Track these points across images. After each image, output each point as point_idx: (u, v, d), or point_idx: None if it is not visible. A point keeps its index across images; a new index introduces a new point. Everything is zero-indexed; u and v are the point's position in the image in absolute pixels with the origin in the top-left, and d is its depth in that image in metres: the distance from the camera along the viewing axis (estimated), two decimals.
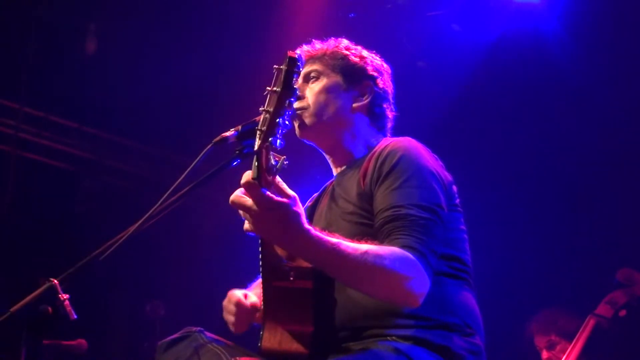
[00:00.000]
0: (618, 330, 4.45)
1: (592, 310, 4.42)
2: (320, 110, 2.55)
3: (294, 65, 1.87)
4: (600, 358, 4.52)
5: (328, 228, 2.29)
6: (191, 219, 6.48)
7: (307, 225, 1.94)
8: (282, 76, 1.87)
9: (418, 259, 2.08)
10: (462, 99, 5.69)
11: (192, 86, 5.80)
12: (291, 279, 2.15)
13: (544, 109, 5.68)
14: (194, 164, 2.29)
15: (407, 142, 2.41)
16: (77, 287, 2.29)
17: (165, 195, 2.31)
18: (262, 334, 2.22)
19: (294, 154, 2.00)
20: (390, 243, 2.12)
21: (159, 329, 5.96)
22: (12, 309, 2.20)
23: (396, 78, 2.73)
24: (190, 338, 2.30)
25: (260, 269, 2.18)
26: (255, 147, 1.84)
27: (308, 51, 2.65)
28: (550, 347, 4.71)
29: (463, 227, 2.42)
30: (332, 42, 2.68)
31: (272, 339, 2.18)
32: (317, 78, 2.59)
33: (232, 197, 1.92)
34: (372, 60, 2.67)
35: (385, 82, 2.68)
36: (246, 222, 1.96)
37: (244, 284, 2.61)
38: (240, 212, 1.94)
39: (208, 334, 2.31)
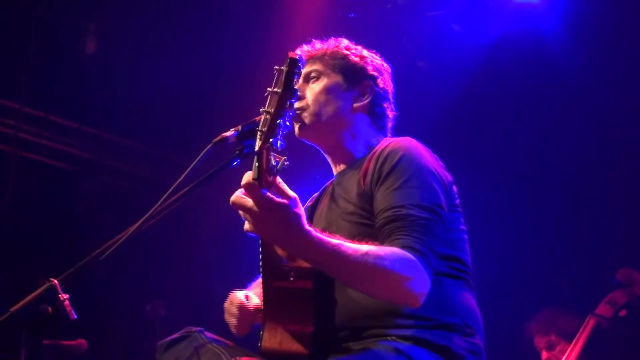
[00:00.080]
0: (618, 330, 4.45)
1: (592, 310, 4.42)
2: (320, 110, 2.55)
3: (294, 66, 1.87)
4: (600, 358, 4.52)
5: (328, 228, 2.29)
6: (191, 219, 6.49)
7: (307, 227, 1.94)
8: (283, 77, 1.87)
9: (419, 259, 2.08)
10: (462, 99, 5.69)
11: (192, 86, 5.81)
12: (291, 279, 2.15)
13: (544, 109, 5.68)
14: (194, 164, 2.29)
15: (407, 142, 2.41)
16: (77, 287, 2.28)
17: (165, 195, 2.31)
18: (262, 334, 2.22)
19: (294, 154, 2.00)
20: (391, 243, 2.12)
21: (159, 329, 5.96)
22: (12, 309, 2.19)
23: (396, 78, 2.73)
24: (190, 338, 2.30)
25: (261, 269, 2.18)
26: (256, 148, 1.84)
27: (308, 51, 2.64)
28: (550, 347, 4.71)
29: (463, 227, 2.42)
30: (332, 42, 2.68)
31: (273, 339, 2.18)
32: (317, 78, 2.59)
33: (232, 198, 1.92)
34: (372, 59, 2.67)
35: (386, 82, 2.67)
36: (246, 222, 1.96)
37: (244, 284, 2.61)
38: (241, 212, 1.93)
39: (208, 334, 2.31)
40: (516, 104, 5.72)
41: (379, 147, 2.45)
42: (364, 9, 5.58)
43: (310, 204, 2.71)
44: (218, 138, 2.32)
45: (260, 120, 1.88)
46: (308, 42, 2.69)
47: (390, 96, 2.69)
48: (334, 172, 2.65)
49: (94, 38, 5.84)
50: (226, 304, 2.47)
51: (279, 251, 2.15)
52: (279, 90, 1.86)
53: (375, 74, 2.64)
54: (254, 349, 2.24)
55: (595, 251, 5.40)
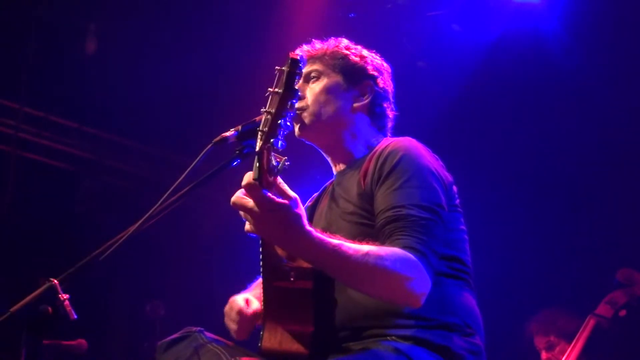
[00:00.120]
0: (618, 330, 4.46)
1: (592, 310, 4.42)
2: (320, 110, 2.54)
3: (295, 67, 1.87)
4: (600, 358, 4.52)
5: (328, 228, 2.29)
6: (191, 219, 6.48)
7: (308, 227, 1.94)
8: (284, 77, 1.87)
9: (419, 260, 2.09)
10: (462, 99, 5.69)
11: (192, 86, 5.80)
12: (291, 279, 2.15)
13: (544, 109, 5.68)
14: (194, 164, 2.29)
15: (407, 142, 2.41)
16: (77, 287, 2.28)
17: (165, 195, 2.31)
18: (263, 334, 2.22)
19: (294, 154, 2.00)
20: (392, 244, 2.12)
21: (159, 329, 5.95)
22: (12, 309, 2.19)
23: (396, 78, 2.73)
24: (190, 338, 2.30)
25: (261, 269, 2.18)
26: (257, 148, 1.84)
27: (308, 51, 2.64)
28: (550, 348, 4.71)
29: (463, 227, 2.42)
30: (332, 42, 2.67)
31: (273, 339, 2.18)
32: (317, 78, 2.59)
33: (233, 198, 1.92)
34: (372, 59, 2.67)
35: (386, 82, 2.67)
36: (247, 223, 1.96)
37: (244, 284, 2.61)
38: (241, 213, 1.93)
39: (208, 334, 2.31)
40: (516, 104, 5.72)
41: (379, 147, 2.45)
42: (364, 9, 5.57)
43: (310, 204, 2.71)
44: (218, 138, 2.32)
45: (260, 120, 1.88)
46: (308, 42, 2.68)
47: (390, 96, 2.68)
48: (334, 172, 2.65)
49: (94, 38, 5.84)
50: (226, 309, 2.48)
51: (280, 251, 2.15)
52: (280, 91, 1.86)
53: (375, 73, 2.64)
54: (254, 349, 2.24)
55: (595, 251, 5.41)
